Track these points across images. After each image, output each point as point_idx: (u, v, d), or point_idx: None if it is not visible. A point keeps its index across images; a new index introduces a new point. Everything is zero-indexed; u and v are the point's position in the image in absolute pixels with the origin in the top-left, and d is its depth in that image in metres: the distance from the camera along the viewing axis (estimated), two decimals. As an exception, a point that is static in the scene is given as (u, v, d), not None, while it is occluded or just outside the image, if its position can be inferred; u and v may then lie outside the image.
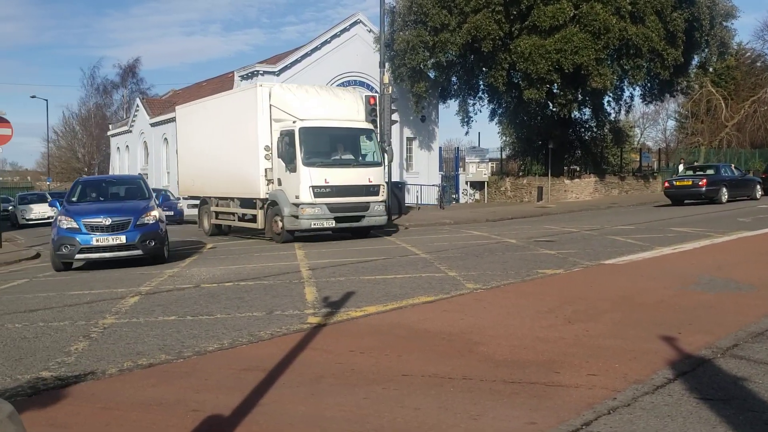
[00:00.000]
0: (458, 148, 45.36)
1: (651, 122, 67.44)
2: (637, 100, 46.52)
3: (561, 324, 6.42)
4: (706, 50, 34.05)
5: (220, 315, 7.53)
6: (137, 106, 48.48)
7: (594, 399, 4.23)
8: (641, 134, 65.75)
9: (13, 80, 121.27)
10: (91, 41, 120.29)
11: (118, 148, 52.87)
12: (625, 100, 36.57)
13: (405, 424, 3.98)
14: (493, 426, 3.90)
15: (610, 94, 34.58)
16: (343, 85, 34.83)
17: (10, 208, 36.77)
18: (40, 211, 33.93)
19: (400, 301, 7.88)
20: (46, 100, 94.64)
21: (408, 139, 36.75)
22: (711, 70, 39.86)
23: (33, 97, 58.21)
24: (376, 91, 27.43)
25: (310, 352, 5.73)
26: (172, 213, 30.04)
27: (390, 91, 25.51)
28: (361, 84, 34.84)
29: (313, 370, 5.19)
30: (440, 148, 40.55)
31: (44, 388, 4.98)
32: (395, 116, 26.40)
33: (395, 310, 7.42)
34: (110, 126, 57.07)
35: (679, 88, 35.67)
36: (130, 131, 49.32)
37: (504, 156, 42.77)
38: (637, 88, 35.50)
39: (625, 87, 34.93)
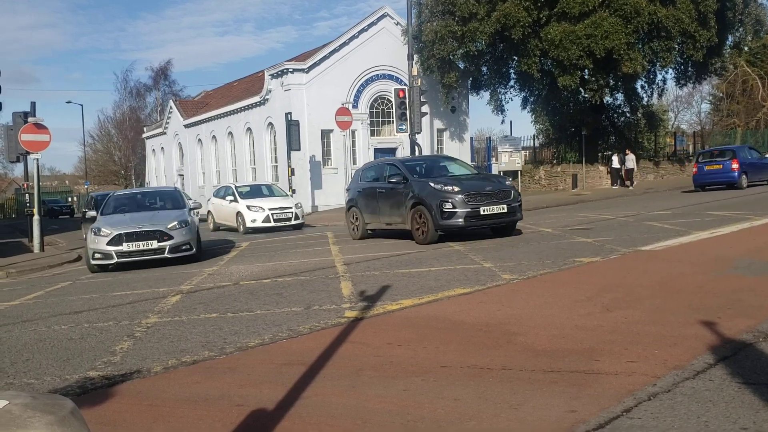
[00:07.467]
0: (490, 137, 45.10)
1: (685, 105, 66.39)
2: (671, 84, 45.39)
3: (599, 312, 6.40)
4: (741, 29, 33.43)
5: (260, 311, 7.65)
6: (170, 108, 49.09)
7: (634, 386, 4.22)
8: (675, 118, 64.77)
9: (49, 86, 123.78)
10: (125, 45, 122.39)
11: (154, 150, 53.63)
12: (658, 84, 36.11)
13: (446, 414, 4.02)
14: (533, 415, 3.91)
15: (643, 78, 34.15)
16: (371, 79, 34.94)
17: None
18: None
19: (436, 293, 7.91)
20: (81, 105, 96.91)
21: (439, 130, 36.66)
22: (746, 49, 39.18)
23: (69, 102, 59.98)
24: (406, 84, 27.43)
25: (348, 346, 5.80)
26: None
27: (419, 83, 25.50)
28: (390, 77, 34.86)
29: (353, 363, 5.25)
30: (472, 138, 40.39)
31: (92, 388, 5.11)
32: (425, 108, 26.38)
33: (431, 302, 7.45)
34: (145, 128, 57.87)
35: (713, 70, 35.05)
36: (165, 133, 49.99)
37: (537, 144, 42.45)
38: (670, 71, 35.07)
39: (657, 70, 34.47)
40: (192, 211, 15.10)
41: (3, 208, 71.14)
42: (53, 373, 5.62)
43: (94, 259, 13.57)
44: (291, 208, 23.05)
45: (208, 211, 26.13)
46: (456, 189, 12.97)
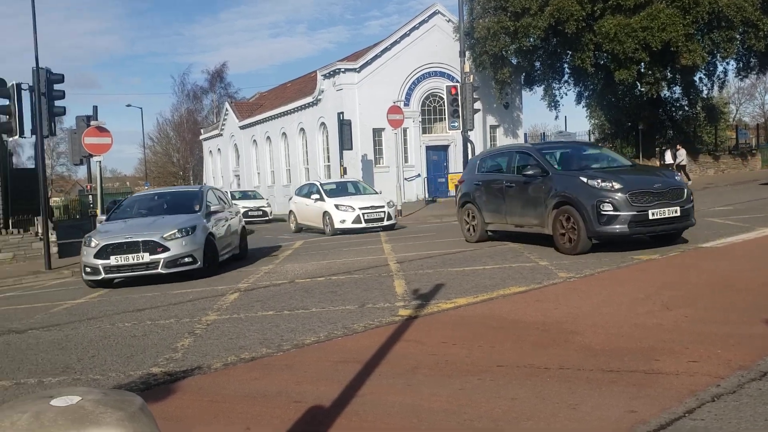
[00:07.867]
0: (544, 133, 44.61)
1: (747, 97, 64.39)
2: (731, 75, 44.14)
3: (659, 310, 6.27)
4: (807, 16, 32.20)
5: (315, 309, 7.73)
6: (226, 110, 49.96)
7: (696, 386, 4.13)
8: (737, 110, 62.87)
9: (109, 90, 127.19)
10: (182, 48, 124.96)
11: (210, 151, 54.63)
12: (719, 76, 35.07)
13: (503, 414, 3.99)
14: (592, 415, 3.86)
15: (702, 70, 33.23)
16: (423, 76, 34.89)
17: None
18: None
19: (491, 292, 7.86)
20: (141, 108, 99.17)
21: (492, 126, 36.40)
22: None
23: (128, 105, 61.23)
24: (458, 81, 27.30)
25: (403, 344, 5.81)
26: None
27: (471, 80, 25.35)
28: (442, 74, 34.75)
29: (408, 361, 5.26)
30: (525, 134, 40.01)
31: (155, 384, 5.24)
32: (477, 104, 26.23)
33: (486, 301, 7.41)
34: (202, 130, 59.01)
35: (778, 60, 33.88)
36: (221, 134, 50.89)
37: (593, 140, 41.75)
38: (732, 62, 34.02)
39: (717, 62, 33.49)
40: (212, 216, 12.75)
41: (67, 209, 73.33)
42: (118, 369, 5.78)
43: (86, 273, 11.73)
44: (383, 207, 20.76)
45: (290, 211, 24.44)
46: (616, 186, 10.23)
